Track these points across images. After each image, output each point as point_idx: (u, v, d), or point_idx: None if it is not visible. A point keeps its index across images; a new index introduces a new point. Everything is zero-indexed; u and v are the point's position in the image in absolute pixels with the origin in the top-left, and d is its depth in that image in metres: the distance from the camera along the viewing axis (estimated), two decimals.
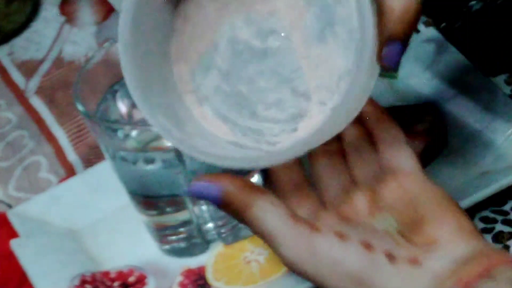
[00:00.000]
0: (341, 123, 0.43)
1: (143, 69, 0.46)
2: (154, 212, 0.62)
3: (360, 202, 0.47)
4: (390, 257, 0.43)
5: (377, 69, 0.43)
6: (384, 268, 0.42)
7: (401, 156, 0.48)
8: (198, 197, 0.45)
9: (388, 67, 0.43)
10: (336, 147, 0.50)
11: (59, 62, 0.81)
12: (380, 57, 0.42)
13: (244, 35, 0.47)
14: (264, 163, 0.45)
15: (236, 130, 0.47)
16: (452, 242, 0.43)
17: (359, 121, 0.50)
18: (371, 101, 0.50)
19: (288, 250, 0.43)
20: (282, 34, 0.47)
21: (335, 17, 0.45)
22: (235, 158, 0.45)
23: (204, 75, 0.48)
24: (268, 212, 0.44)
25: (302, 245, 0.43)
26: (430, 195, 0.46)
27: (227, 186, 0.44)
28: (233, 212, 0.45)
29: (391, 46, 0.42)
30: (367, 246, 0.42)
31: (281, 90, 0.47)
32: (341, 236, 0.43)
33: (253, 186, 0.45)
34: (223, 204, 0.44)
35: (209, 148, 0.45)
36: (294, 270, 0.44)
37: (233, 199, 0.44)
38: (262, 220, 0.44)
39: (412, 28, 0.43)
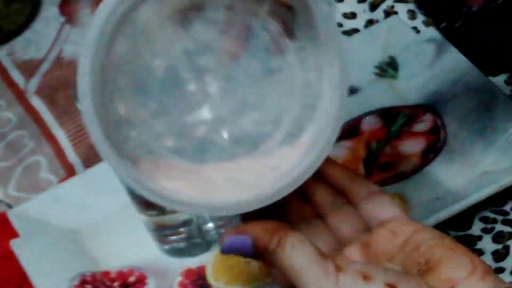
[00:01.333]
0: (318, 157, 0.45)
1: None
2: (154, 212, 0.62)
3: (356, 257, 0.48)
4: None
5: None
6: None
7: (384, 206, 0.48)
8: (234, 252, 0.45)
9: None
10: (310, 212, 0.50)
11: (59, 62, 0.81)
12: None
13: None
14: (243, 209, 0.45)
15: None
16: (470, 282, 0.44)
17: (327, 183, 0.51)
18: (338, 164, 0.51)
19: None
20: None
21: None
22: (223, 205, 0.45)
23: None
24: (297, 249, 0.44)
25: (330, 284, 0.43)
26: (429, 236, 0.46)
27: (256, 233, 0.44)
28: (265, 256, 0.45)
29: None
30: (392, 286, 0.43)
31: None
32: (365, 276, 0.43)
33: (280, 225, 0.45)
34: (257, 252, 0.45)
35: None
36: None
37: (265, 243, 0.44)
38: (292, 257, 0.43)
39: None
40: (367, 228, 0.48)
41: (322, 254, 0.44)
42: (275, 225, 0.45)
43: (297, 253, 0.43)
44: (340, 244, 0.49)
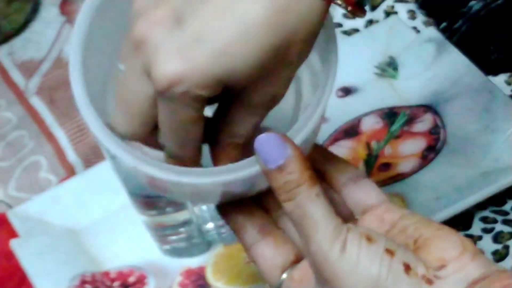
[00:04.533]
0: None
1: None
2: (154, 212, 0.62)
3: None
4: (407, 268, 0.42)
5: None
6: (399, 277, 0.42)
7: (369, 191, 0.47)
8: (264, 153, 0.42)
9: None
10: None
11: (59, 62, 0.81)
12: None
13: None
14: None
15: None
16: (461, 263, 0.43)
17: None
18: (318, 145, 0.49)
19: (324, 239, 0.42)
20: None
21: None
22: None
23: None
24: (321, 198, 0.43)
25: (340, 239, 0.42)
26: (415, 220, 0.45)
27: (295, 152, 0.42)
28: (283, 182, 0.42)
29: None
30: (390, 252, 0.42)
31: None
32: (369, 238, 0.43)
33: (312, 168, 0.43)
34: (280, 168, 0.42)
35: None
36: (316, 260, 0.43)
37: (295, 169, 0.42)
38: (313, 205, 0.42)
39: None
40: (350, 215, 0.47)
41: (335, 210, 0.43)
42: (309, 162, 0.43)
43: (319, 202, 0.42)
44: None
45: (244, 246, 0.47)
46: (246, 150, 0.44)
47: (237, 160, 0.44)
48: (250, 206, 0.47)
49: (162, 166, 0.42)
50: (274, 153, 0.42)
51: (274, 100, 0.43)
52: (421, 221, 0.45)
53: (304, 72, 0.49)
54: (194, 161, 0.44)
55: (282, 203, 0.43)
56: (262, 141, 0.42)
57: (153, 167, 0.42)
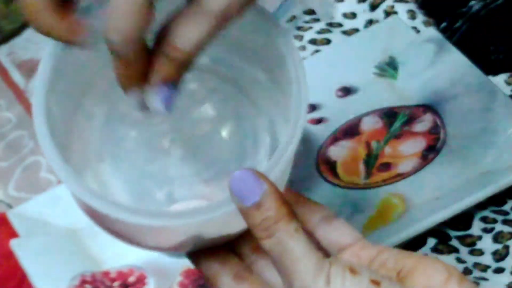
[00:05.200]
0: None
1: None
2: None
3: None
4: None
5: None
6: None
7: (343, 230, 0.47)
8: (238, 192, 0.41)
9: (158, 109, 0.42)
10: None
11: None
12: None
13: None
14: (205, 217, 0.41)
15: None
16: None
17: None
18: (289, 189, 0.48)
19: (307, 274, 0.41)
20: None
21: None
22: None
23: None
24: (300, 233, 0.41)
25: (323, 274, 0.41)
26: (394, 253, 0.45)
27: (270, 188, 0.41)
28: (260, 219, 0.41)
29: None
30: (376, 283, 0.41)
31: None
32: (352, 270, 0.42)
33: (289, 204, 0.42)
34: (257, 205, 0.41)
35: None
36: None
37: (271, 206, 0.41)
38: (292, 241, 0.41)
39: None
40: (327, 254, 0.45)
41: (315, 244, 0.42)
42: (285, 198, 0.42)
43: (298, 237, 0.41)
44: None
45: None
46: (181, 74, 0.42)
47: (168, 81, 0.41)
48: (223, 252, 0.46)
49: (131, 209, 0.41)
50: (249, 190, 0.41)
51: (229, 10, 0.40)
52: (401, 253, 0.45)
53: (277, 116, 0.48)
54: (139, 61, 0.41)
55: (260, 241, 0.42)
56: (237, 178, 0.41)
57: (124, 211, 0.41)
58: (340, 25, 0.78)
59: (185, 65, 0.41)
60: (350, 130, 0.70)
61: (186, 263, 0.64)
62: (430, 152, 0.68)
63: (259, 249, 0.46)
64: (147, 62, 0.42)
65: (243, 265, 0.46)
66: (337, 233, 0.46)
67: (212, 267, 0.46)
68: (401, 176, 0.67)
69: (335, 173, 0.67)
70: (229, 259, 0.46)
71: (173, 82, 0.42)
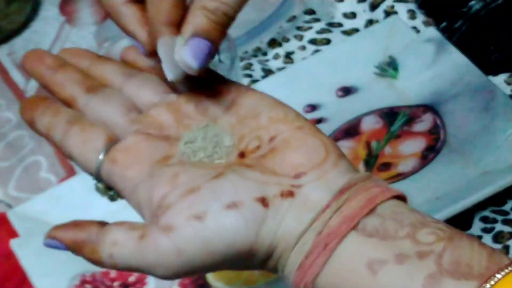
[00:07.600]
0: None
1: None
2: None
3: (165, 117, 0.43)
4: (264, 202, 0.38)
5: None
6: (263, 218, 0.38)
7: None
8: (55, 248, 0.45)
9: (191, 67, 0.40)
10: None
11: None
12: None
13: None
14: None
15: None
16: (321, 171, 0.39)
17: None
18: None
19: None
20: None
21: None
22: None
23: None
24: (120, 237, 0.43)
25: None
26: (265, 103, 0.41)
27: (65, 238, 0.45)
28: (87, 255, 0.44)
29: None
30: (233, 205, 0.38)
31: None
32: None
33: (84, 223, 0.45)
34: (74, 251, 0.45)
35: None
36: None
37: (80, 245, 0.45)
38: (117, 249, 0.43)
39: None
40: (171, 90, 0.44)
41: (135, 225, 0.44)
42: (80, 224, 0.45)
43: (120, 243, 0.43)
44: (144, 108, 0.44)
45: (58, 147, 0.45)
46: (217, 29, 0.40)
47: (202, 34, 0.39)
48: (54, 105, 0.45)
49: None
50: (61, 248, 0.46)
51: None
52: (275, 107, 0.41)
53: None
54: (176, 3, 0.40)
55: None
56: (49, 245, 0.47)
57: None
58: (340, 25, 0.78)
59: (223, 19, 0.40)
60: (350, 130, 0.70)
61: None
62: (430, 152, 0.68)
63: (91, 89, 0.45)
64: (183, 7, 0.40)
65: (74, 112, 0.45)
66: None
67: (44, 122, 0.45)
68: (401, 176, 0.67)
69: None
70: (60, 110, 0.45)
71: (208, 37, 0.40)
